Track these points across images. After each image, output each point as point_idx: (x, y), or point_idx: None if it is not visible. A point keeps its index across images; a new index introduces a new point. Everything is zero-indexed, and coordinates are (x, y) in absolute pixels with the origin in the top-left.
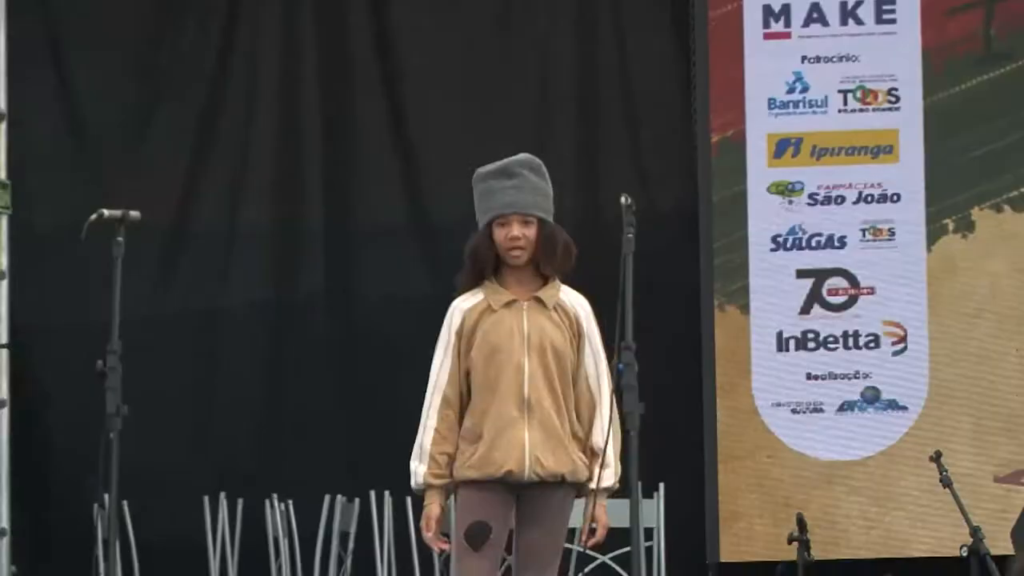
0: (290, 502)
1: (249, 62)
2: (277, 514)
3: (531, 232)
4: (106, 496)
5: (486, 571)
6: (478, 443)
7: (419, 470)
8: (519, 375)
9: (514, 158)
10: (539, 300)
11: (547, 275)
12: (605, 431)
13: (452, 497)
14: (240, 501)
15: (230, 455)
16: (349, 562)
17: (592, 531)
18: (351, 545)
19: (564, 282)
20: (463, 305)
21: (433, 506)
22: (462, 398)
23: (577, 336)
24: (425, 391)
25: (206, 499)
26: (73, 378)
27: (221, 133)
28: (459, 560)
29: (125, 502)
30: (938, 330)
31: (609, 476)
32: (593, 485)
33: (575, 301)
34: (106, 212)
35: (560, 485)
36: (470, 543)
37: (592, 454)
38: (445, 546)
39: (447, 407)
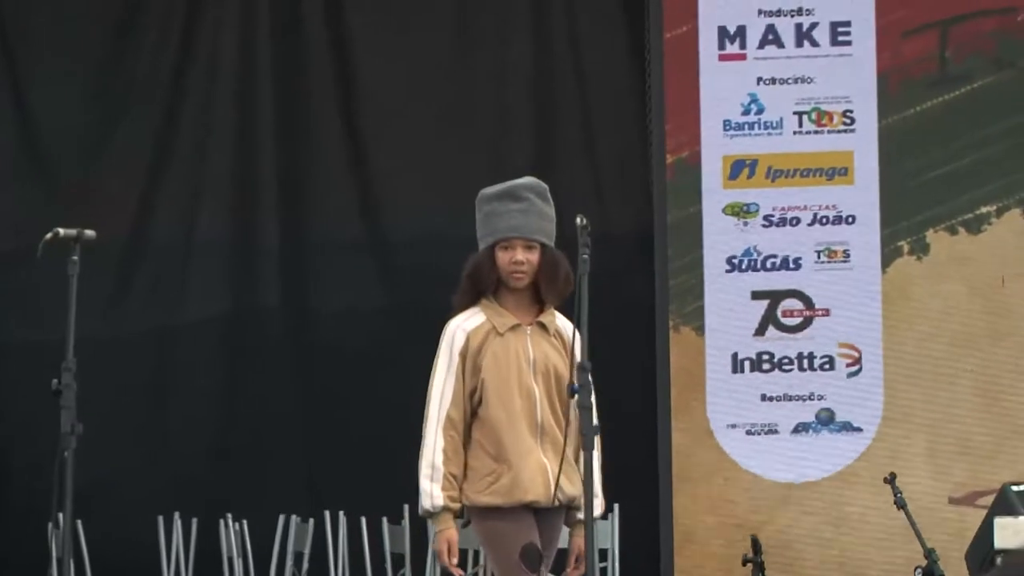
0: (244, 521)
1: (205, 79)
2: (232, 533)
3: (534, 257)
4: (60, 515)
5: None
6: (500, 469)
7: (435, 491)
8: (531, 400)
9: (521, 181)
10: (542, 325)
11: (544, 300)
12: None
13: (462, 520)
14: (195, 520)
15: (185, 473)
16: None
17: (577, 561)
18: (305, 565)
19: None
20: (465, 325)
21: (451, 531)
22: (466, 418)
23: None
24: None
25: (160, 518)
26: (28, 396)
27: (176, 151)
28: None
29: (80, 521)
30: (893, 352)
31: (598, 506)
32: (582, 516)
33: (567, 327)
34: (61, 231)
35: (562, 508)
36: (528, 566)
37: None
38: (462, 573)
39: (452, 427)
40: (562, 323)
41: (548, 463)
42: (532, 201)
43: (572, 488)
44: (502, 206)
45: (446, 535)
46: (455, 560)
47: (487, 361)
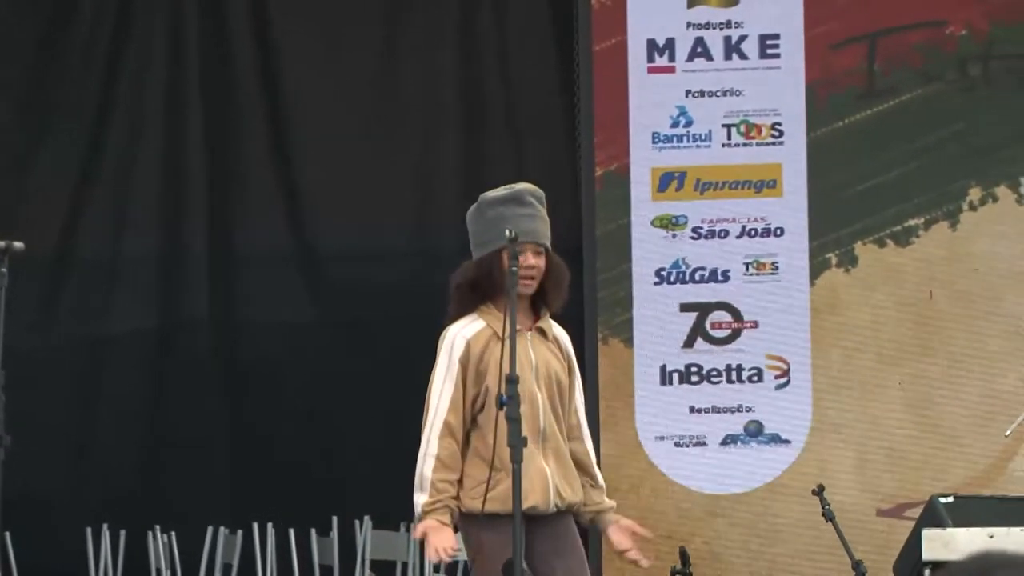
0: (173, 533)
1: (133, 92)
2: (160, 545)
3: (542, 262)
4: None
5: None
6: (498, 476)
7: (420, 501)
8: (534, 406)
9: (523, 187)
10: (541, 330)
11: (544, 305)
12: (593, 457)
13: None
14: (123, 532)
15: (113, 485)
16: None
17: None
18: None
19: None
20: (464, 332)
21: (447, 532)
22: (465, 425)
23: (569, 367)
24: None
25: (89, 530)
26: None
27: (103, 164)
28: None
29: (7, 533)
30: (821, 364)
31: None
32: (601, 508)
33: (561, 332)
34: None
35: (565, 514)
36: None
37: (583, 473)
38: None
39: (449, 435)
40: (558, 329)
41: (548, 470)
42: (536, 206)
43: (572, 494)
44: (509, 210)
45: (441, 536)
46: (448, 553)
47: (491, 367)
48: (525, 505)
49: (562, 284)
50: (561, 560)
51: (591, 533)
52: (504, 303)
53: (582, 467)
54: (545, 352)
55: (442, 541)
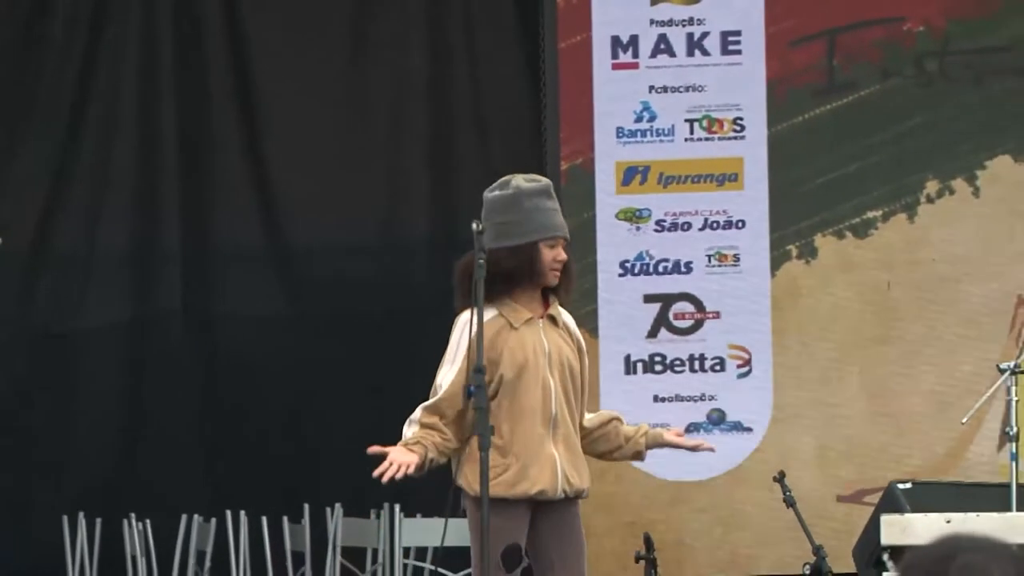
0: (147, 521)
1: (108, 91)
2: (135, 533)
3: (565, 256)
4: None
5: None
6: (507, 461)
7: (407, 432)
8: (547, 392)
9: (547, 180)
10: (551, 318)
11: (555, 294)
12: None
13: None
14: (98, 520)
15: (89, 475)
16: None
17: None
18: (207, 564)
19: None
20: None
21: (410, 454)
22: (461, 407)
23: (579, 352)
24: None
25: (65, 519)
26: None
27: (80, 159)
28: None
29: None
30: (782, 353)
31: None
32: (644, 430)
33: (569, 319)
34: None
35: (572, 500)
36: (506, 566)
37: (612, 421)
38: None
39: (436, 413)
40: (566, 315)
41: (558, 456)
42: (556, 201)
43: (580, 480)
44: (543, 203)
45: (391, 454)
46: (401, 468)
47: (505, 356)
48: (533, 490)
49: (572, 276)
50: (559, 548)
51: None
52: (518, 292)
53: (602, 420)
54: (557, 339)
55: (400, 456)
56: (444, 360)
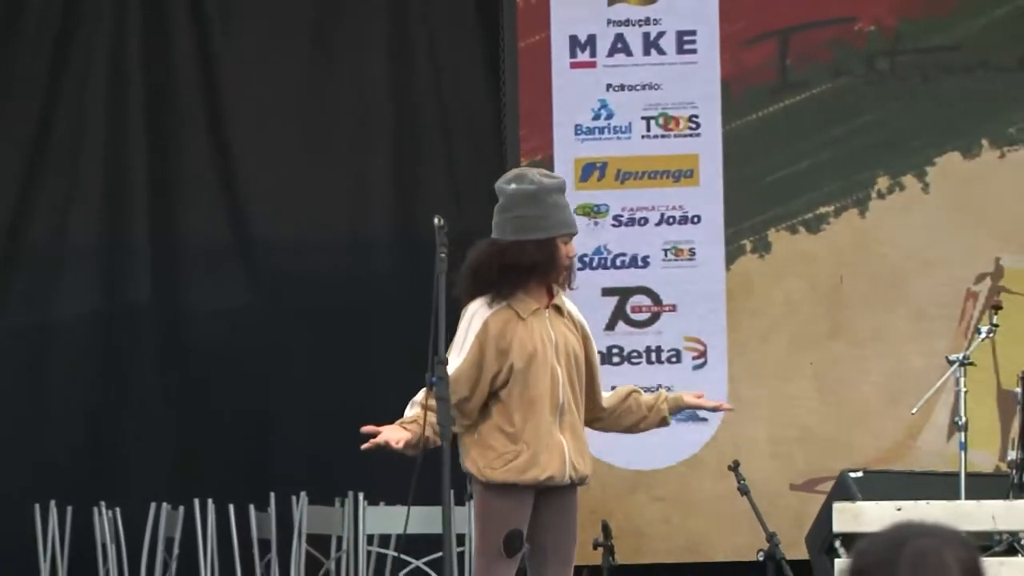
0: (117, 509)
1: (78, 88)
2: (105, 521)
3: (575, 251)
4: None
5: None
6: (519, 448)
7: (408, 413)
8: (555, 381)
9: (560, 178)
10: (557, 308)
11: (558, 286)
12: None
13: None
14: (69, 508)
15: (60, 463)
16: (174, 567)
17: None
18: (176, 551)
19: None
20: (483, 311)
21: (401, 431)
22: (461, 400)
23: (585, 339)
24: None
25: (37, 506)
26: None
27: (51, 158)
28: (489, 564)
29: None
30: (736, 345)
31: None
32: (663, 396)
33: (573, 307)
34: None
35: (574, 486)
36: (507, 550)
37: (631, 394)
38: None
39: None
40: (570, 304)
41: (565, 443)
42: (566, 197)
43: (584, 467)
44: (561, 200)
45: (398, 433)
46: (390, 442)
47: (515, 346)
48: (543, 476)
49: (573, 267)
50: (553, 535)
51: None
52: (532, 285)
53: (621, 396)
54: (562, 328)
55: (391, 433)
56: (452, 347)
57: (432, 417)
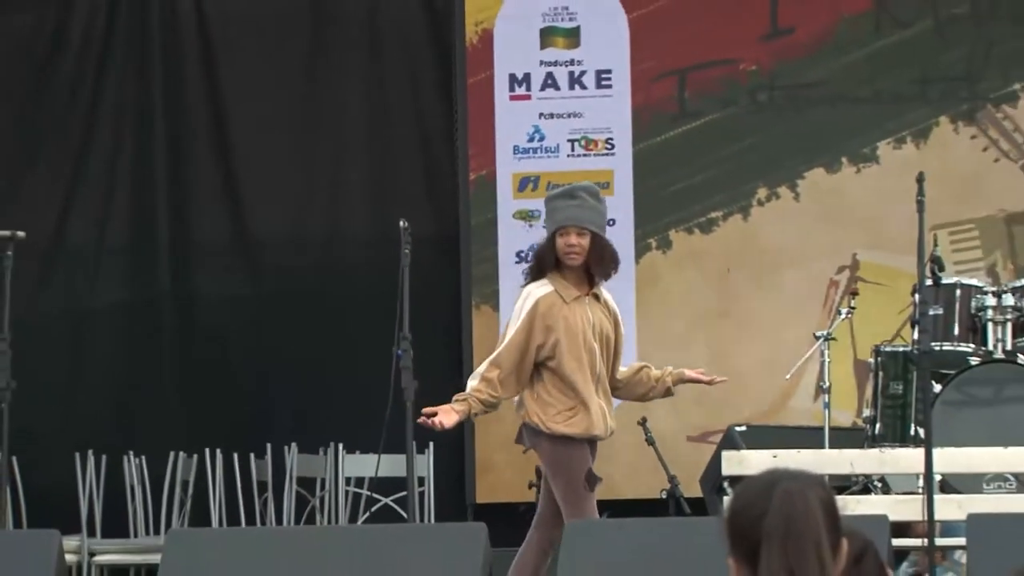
0: (143, 457)
1: (112, 116)
2: (133, 467)
3: (585, 242)
4: None
5: (595, 506)
6: (577, 407)
7: (468, 385)
8: (593, 356)
9: (578, 184)
10: (595, 296)
11: (595, 277)
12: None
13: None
14: (104, 456)
15: (96, 421)
16: (189, 504)
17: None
18: (190, 491)
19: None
20: (536, 292)
21: (452, 413)
22: (516, 362)
23: (616, 325)
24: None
25: (77, 455)
26: None
27: (89, 172)
28: (580, 501)
29: (14, 457)
30: (644, 324)
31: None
32: (668, 372)
33: (609, 297)
34: None
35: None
36: (590, 486)
37: (642, 369)
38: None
39: (496, 366)
40: (607, 294)
41: (603, 405)
42: (585, 199)
43: (613, 424)
44: (562, 203)
45: (447, 413)
46: (436, 422)
47: (560, 324)
48: (595, 431)
49: (604, 258)
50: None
51: (467, 456)
52: (567, 273)
53: (634, 370)
54: (599, 313)
55: (443, 416)
56: (511, 321)
57: (482, 394)
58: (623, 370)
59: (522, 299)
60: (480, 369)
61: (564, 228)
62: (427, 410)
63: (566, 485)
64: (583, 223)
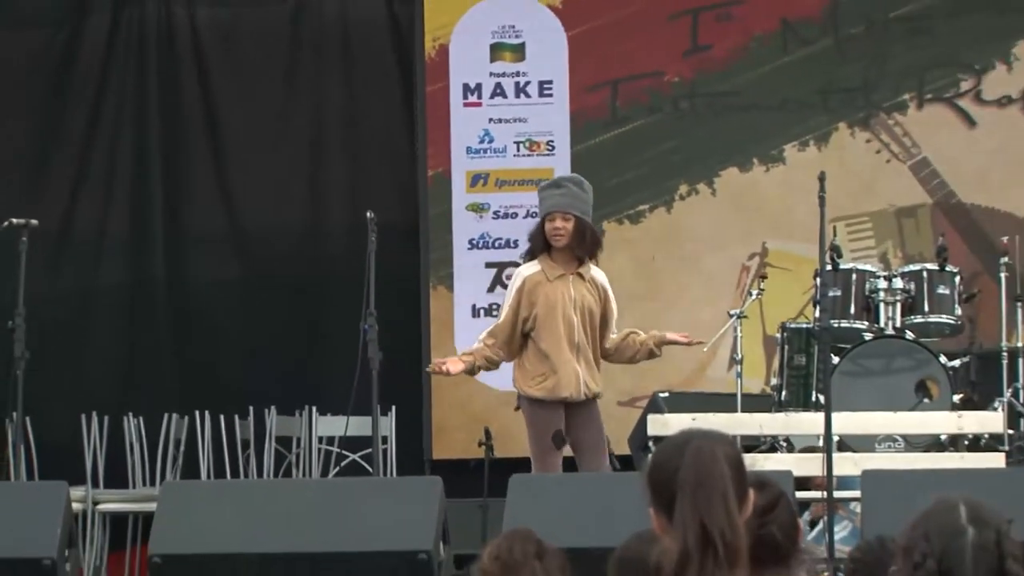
0: (141, 418)
1: (113, 124)
2: (131, 426)
3: (569, 225)
4: (14, 413)
5: (559, 462)
6: (547, 373)
7: (474, 345)
8: (571, 327)
9: (565, 175)
10: (580, 275)
11: (580, 256)
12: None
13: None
14: (106, 417)
15: (99, 386)
16: (181, 460)
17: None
18: (182, 448)
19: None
20: (524, 272)
21: (459, 362)
22: (508, 335)
23: (603, 299)
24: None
25: (83, 416)
26: None
27: (93, 170)
28: (544, 455)
29: (28, 417)
30: None
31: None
32: (650, 335)
33: (598, 275)
34: (14, 221)
35: (591, 400)
36: (556, 444)
37: (629, 335)
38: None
39: (491, 336)
40: (596, 273)
41: (579, 370)
42: (569, 188)
43: (595, 385)
44: (549, 192)
45: (451, 361)
46: (443, 367)
47: (540, 299)
48: (563, 395)
49: (583, 241)
50: (584, 434)
51: (424, 418)
52: (556, 255)
53: (622, 336)
54: (582, 290)
55: (450, 364)
56: (506, 297)
57: (485, 351)
58: (612, 338)
59: (514, 278)
60: (481, 335)
61: (551, 214)
62: (437, 360)
63: (533, 442)
64: (567, 209)
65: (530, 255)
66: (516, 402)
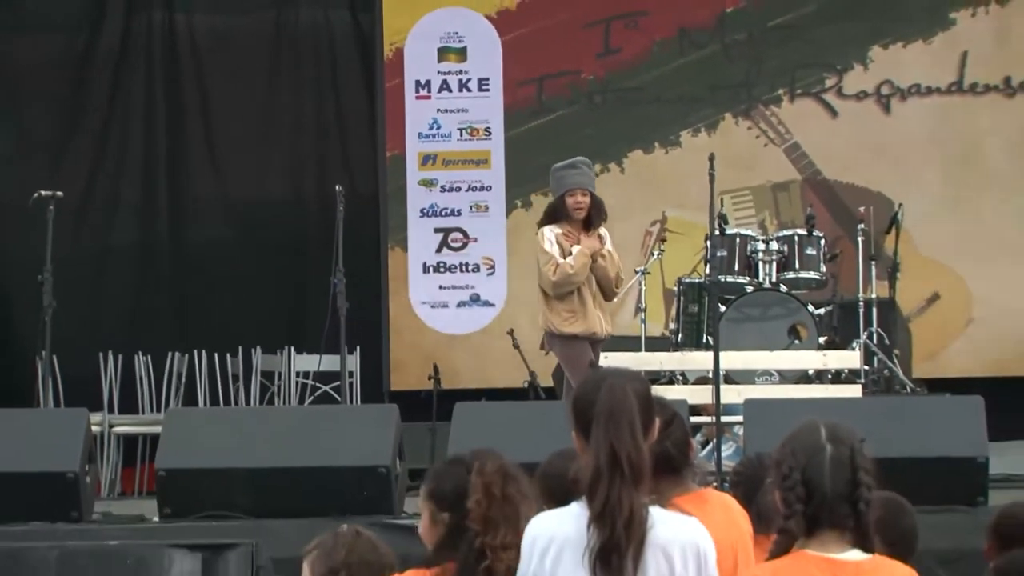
0: (148, 356)
1: (125, 112)
2: (141, 363)
3: (587, 200)
4: (43, 351)
5: None
6: (578, 313)
7: (568, 263)
8: (588, 278)
9: (577, 158)
10: (599, 237)
11: (592, 224)
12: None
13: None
14: (120, 355)
15: (115, 330)
16: (182, 390)
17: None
18: (183, 381)
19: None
20: (550, 234)
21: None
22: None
23: (609, 256)
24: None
25: (100, 354)
26: (25, 285)
27: (108, 150)
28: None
29: (54, 355)
30: (513, 262)
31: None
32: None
33: (606, 235)
34: (43, 193)
35: (601, 340)
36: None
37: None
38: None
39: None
40: (605, 233)
41: (599, 313)
42: (583, 169)
43: (609, 328)
44: (568, 171)
45: (584, 247)
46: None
47: (567, 251)
48: (592, 331)
49: (600, 212)
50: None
51: (383, 357)
52: (571, 223)
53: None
54: (595, 247)
55: (588, 244)
56: (543, 251)
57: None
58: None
59: (544, 237)
60: (558, 264)
61: (571, 190)
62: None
63: (574, 375)
64: (586, 186)
65: (550, 220)
66: (544, 346)
